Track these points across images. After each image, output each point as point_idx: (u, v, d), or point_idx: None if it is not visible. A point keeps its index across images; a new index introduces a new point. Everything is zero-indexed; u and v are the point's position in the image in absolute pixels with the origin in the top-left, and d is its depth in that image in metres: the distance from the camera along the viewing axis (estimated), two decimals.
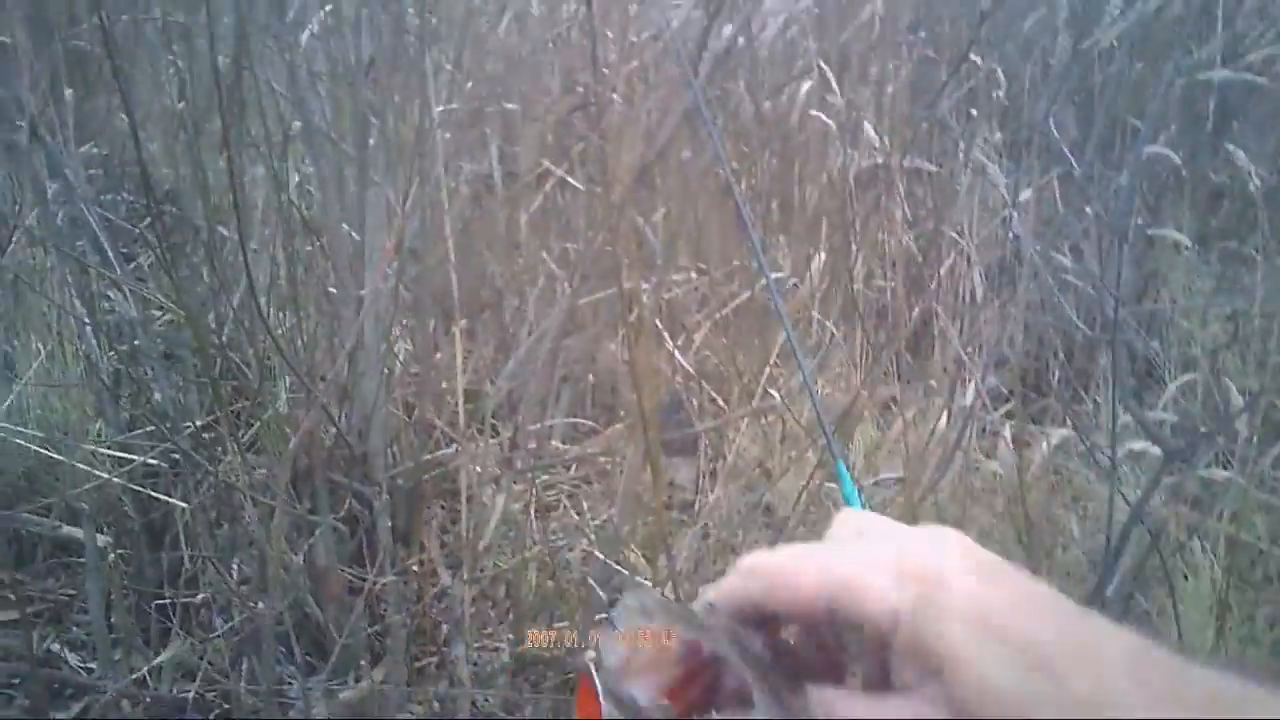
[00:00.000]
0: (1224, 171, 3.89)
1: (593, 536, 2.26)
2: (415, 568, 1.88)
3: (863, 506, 0.63)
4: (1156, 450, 2.02)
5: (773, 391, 2.49)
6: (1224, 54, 4.24)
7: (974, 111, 3.06)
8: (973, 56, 3.13)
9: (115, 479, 1.92)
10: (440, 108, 2.55)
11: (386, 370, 1.96)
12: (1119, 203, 2.18)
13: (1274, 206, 3.92)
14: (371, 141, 2.01)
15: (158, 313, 2.42)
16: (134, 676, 1.76)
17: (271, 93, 1.99)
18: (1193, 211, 3.94)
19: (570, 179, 2.76)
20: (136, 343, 2.15)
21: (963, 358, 2.69)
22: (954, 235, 3.02)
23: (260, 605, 1.67)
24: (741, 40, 2.83)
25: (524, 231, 2.74)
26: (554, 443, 2.61)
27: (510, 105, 2.86)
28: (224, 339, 1.96)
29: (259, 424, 1.93)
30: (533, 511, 2.41)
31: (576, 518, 2.49)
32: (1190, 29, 3.05)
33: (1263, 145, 4.22)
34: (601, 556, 1.99)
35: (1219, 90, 3.93)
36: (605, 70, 2.51)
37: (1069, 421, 2.92)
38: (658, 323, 2.59)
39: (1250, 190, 3.24)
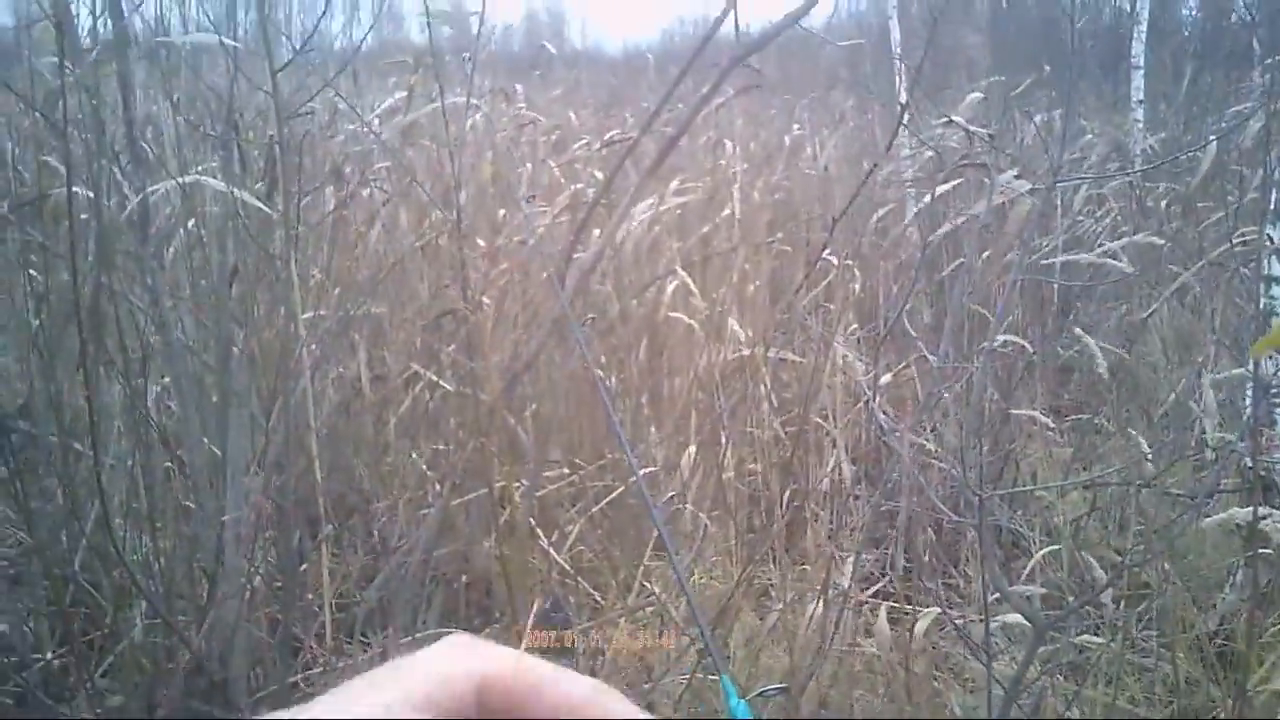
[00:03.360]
0: (1073, 348, 4.14)
1: None
2: None
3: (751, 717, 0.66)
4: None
5: (649, 584, 2.48)
6: (1065, 243, 4.58)
7: (831, 305, 3.20)
8: (828, 256, 3.31)
9: None
10: (307, 314, 2.56)
11: (249, 587, 1.89)
12: (973, 391, 2.28)
13: (1121, 381, 4.17)
14: (235, 352, 2.00)
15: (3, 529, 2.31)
16: None
17: (130, 312, 1.98)
18: (1044, 387, 4.16)
19: (440, 381, 2.78)
20: None
21: (834, 542, 2.74)
22: (819, 420, 3.12)
23: None
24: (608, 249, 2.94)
25: (393, 434, 2.72)
26: None
27: (378, 310, 2.88)
28: (77, 564, 1.88)
29: (113, 654, 1.83)
30: None
31: None
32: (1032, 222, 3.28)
33: (1104, 322, 4.53)
34: None
35: (1062, 274, 4.21)
36: (473, 275, 2.56)
37: (942, 600, 2.97)
38: (531, 521, 2.57)
39: (1102, 371, 3.45)
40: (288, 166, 1.80)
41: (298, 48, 1.81)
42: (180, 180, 1.79)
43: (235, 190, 1.73)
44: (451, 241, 2.97)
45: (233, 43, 1.82)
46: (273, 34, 1.84)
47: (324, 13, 1.92)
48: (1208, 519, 2.35)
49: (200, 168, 2.26)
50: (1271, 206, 3.15)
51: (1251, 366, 2.07)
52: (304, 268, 2.70)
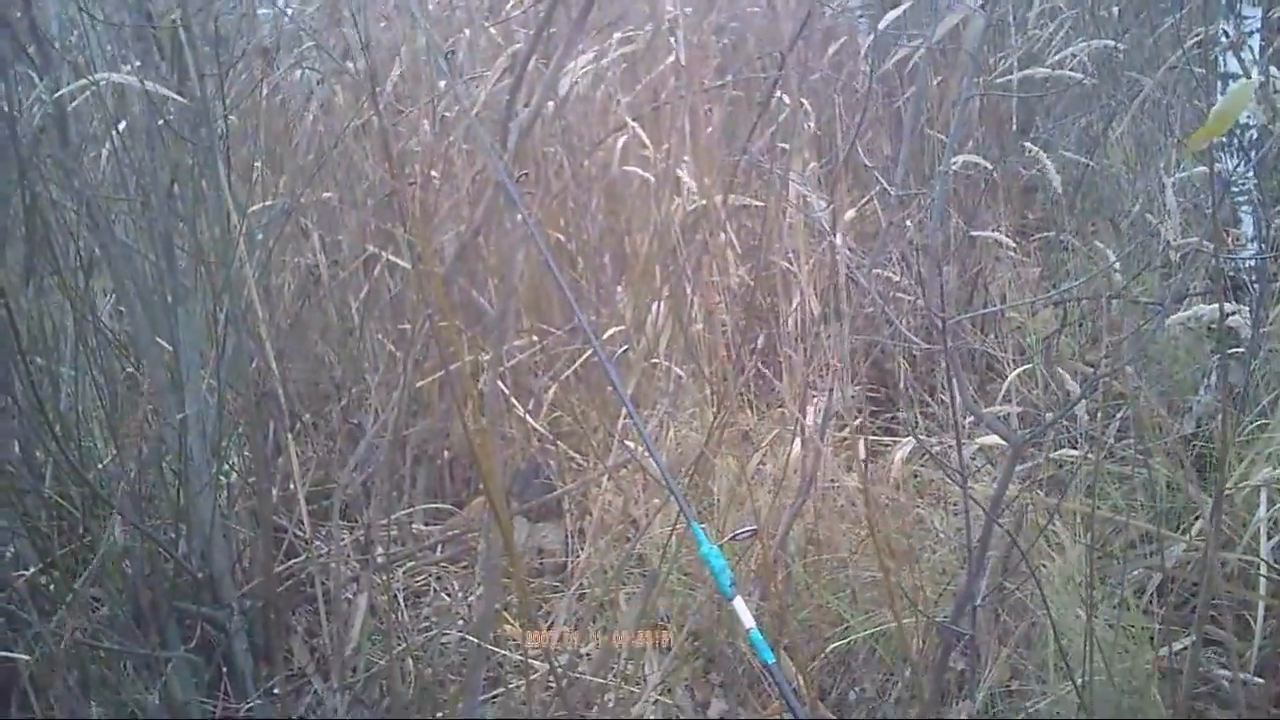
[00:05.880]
0: (1034, 167, 4.09)
1: (466, 619, 2.21)
2: (276, 690, 1.81)
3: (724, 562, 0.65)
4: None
5: (628, 443, 2.49)
6: (1020, 60, 4.49)
7: (786, 145, 3.14)
8: (780, 94, 3.22)
9: None
10: (255, 206, 2.50)
11: (224, 483, 1.89)
12: (933, 215, 2.25)
13: (1086, 194, 4.14)
14: (178, 249, 1.95)
15: None
16: None
17: (62, 220, 1.92)
18: (1009, 208, 4.13)
19: (397, 259, 2.73)
20: None
21: (808, 381, 2.74)
22: (785, 264, 3.09)
23: None
24: (551, 105, 2.86)
25: (357, 317, 2.69)
26: (415, 527, 2.56)
27: (327, 194, 2.82)
28: (46, 479, 1.86)
29: (94, 562, 1.84)
30: (402, 601, 2.35)
31: (448, 599, 2.44)
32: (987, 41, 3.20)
33: (1065, 138, 4.47)
34: (475, 640, 1.95)
35: (1019, 91, 4.13)
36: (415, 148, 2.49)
37: (917, 428, 3.01)
38: (503, 389, 2.57)
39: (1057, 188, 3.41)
40: (198, 52, 1.73)
41: None
42: (92, 79, 1.72)
43: (143, 82, 1.65)
44: (385, 117, 2.89)
45: None
46: None
47: None
48: (1172, 317, 2.35)
49: (128, 67, 2.17)
50: (1224, 1, 3.07)
51: (1208, 163, 2.05)
52: (243, 157, 2.63)
